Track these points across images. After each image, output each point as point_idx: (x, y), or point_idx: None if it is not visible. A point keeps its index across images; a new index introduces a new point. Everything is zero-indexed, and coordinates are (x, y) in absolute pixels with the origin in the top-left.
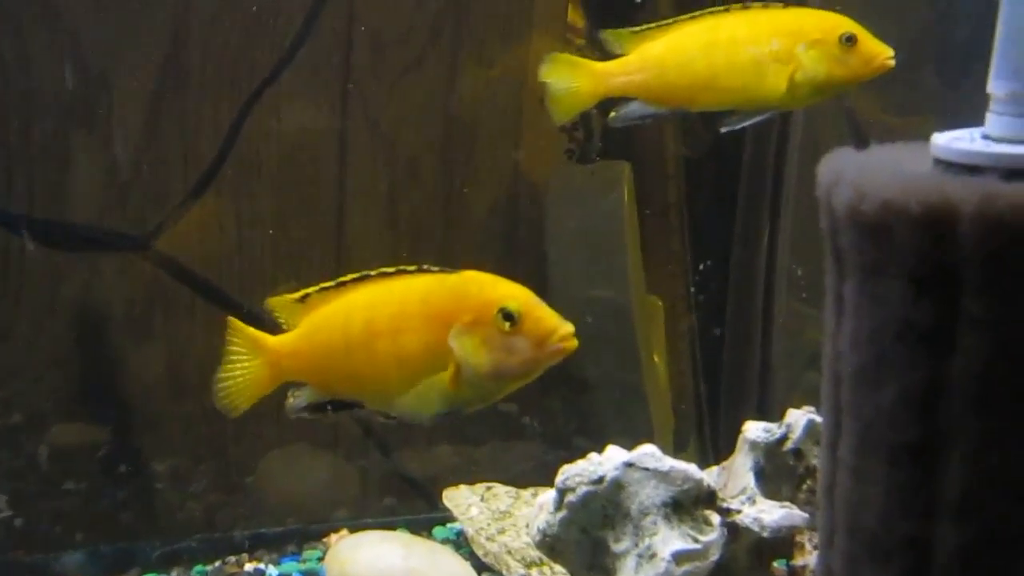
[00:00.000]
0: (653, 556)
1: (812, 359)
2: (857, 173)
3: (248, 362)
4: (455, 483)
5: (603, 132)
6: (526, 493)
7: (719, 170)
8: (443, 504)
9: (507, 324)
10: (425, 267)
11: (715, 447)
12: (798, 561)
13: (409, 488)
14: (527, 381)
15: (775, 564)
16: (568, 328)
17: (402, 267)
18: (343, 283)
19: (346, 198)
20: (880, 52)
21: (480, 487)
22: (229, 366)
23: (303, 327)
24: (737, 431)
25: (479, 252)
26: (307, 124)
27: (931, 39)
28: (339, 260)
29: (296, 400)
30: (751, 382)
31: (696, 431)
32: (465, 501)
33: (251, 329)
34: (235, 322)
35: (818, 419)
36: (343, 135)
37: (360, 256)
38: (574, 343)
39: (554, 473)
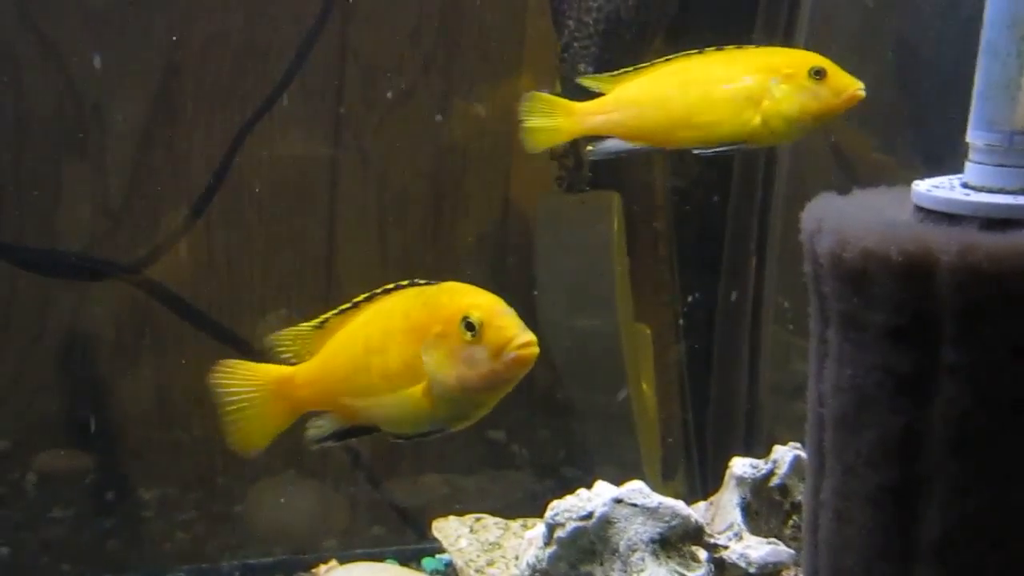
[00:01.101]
0: None
1: (798, 390)
2: (839, 220)
3: (257, 396)
4: (443, 513)
5: (592, 162)
6: (515, 524)
7: (707, 200)
8: (432, 535)
9: (468, 334)
10: (416, 281)
11: (703, 477)
12: None
13: (397, 518)
14: (498, 394)
15: None
16: (527, 337)
17: (399, 283)
18: (357, 303)
19: (337, 227)
20: (849, 84)
21: (469, 518)
22: (234, 407)
23: (320, 355)
24: (725, 462)
25: (467, 281)
26: (299, 154)
27: (908, 79)
28: (329, 288)
29: (317, 430)
30: (739, 412)
31: (684, 460)
32: (454, 532)
33: (255, 365)
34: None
35: (804, 455)
36: (334, 165)
37: (350, 284)
38: (532, 351)
39: (543, 503)
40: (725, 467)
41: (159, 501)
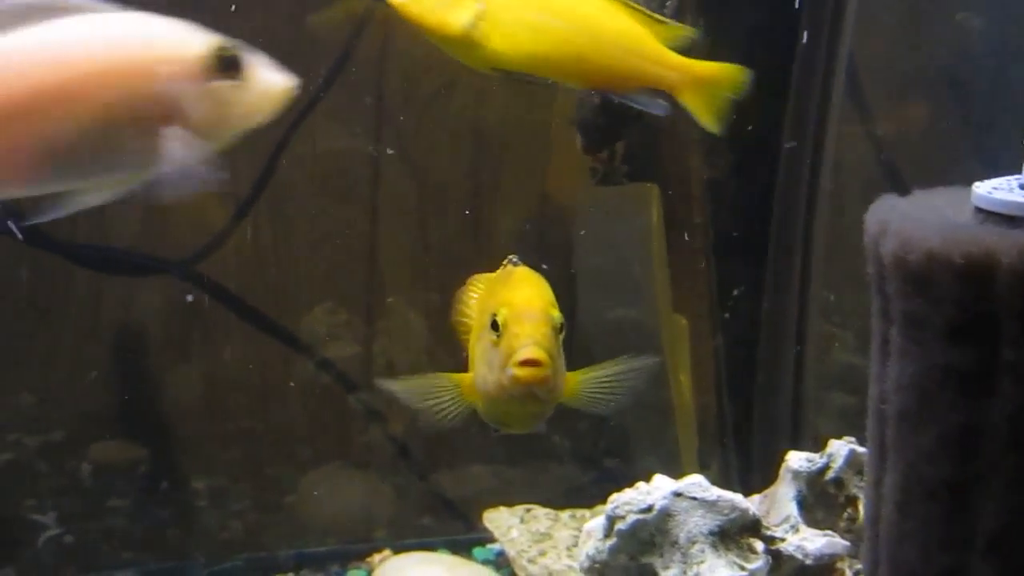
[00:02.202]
0: None
1: (839, 380)
2: (902, 223)
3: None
4: (490, 504)
5: (628, 154)
6: (564, 515)
7: (744, 191)
8: (481, 525)
9: (493, 334)
10: (511, 259)
11: (742, 468)
12: None
13: (445, 509)
14: (521, 408)
15: None
16: (526, 353)
17: (511, 257)
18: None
19: (378, 221)
20: None
21: (519, 509)
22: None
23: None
24: (771, 454)
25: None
26: (341, 149)
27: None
28: (372, 281)
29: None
30: (784, 405)
31: (720, 451)
32: (505, 523)
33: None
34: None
35: (859, 449)
36: (376, 160)
37: (392, 278)
38: (533, 373)
39: (587, 495)
40: (771, 459)
41: (212, 491)
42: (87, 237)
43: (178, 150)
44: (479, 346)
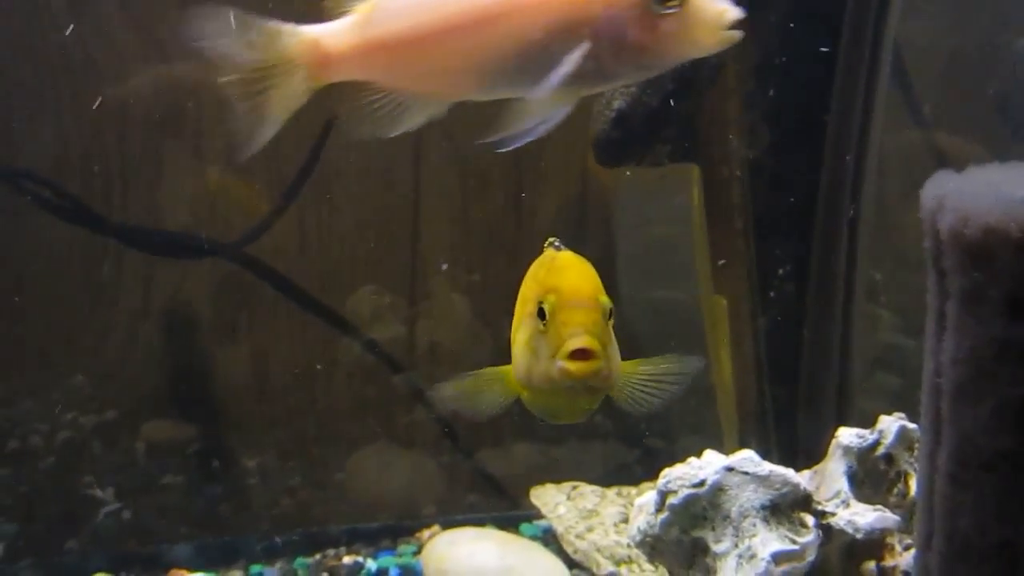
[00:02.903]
0: (753, 556)
1: (883, 361)
2: (959, 198)
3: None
4: (537, 482)
5: (668, 134)
6: (611, 492)
7: (786, 170)
8: (527, 502)
9: (540, 323)
10: (553, 242)
11: (784, 449)
12: (888, 562)
13: (492, 487)
14: (568, 400)
15: (866, 566)
16: (576, 343)
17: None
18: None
19: (421, 204)
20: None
21: (566, 486)
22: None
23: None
24: (815, 435)
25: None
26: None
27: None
28: (415, 264)
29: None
30: (830, 385)
31: (761, 432)
32: (552, 500)
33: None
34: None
35: (910, 425)
36: (417, 144)
37: (434, 259)
38: (584, 367)
39: (630, 473)
40: (815, 441)
41: (262, 470)
42: (139, 220)
43: (621, 75)
44: (521, 334)
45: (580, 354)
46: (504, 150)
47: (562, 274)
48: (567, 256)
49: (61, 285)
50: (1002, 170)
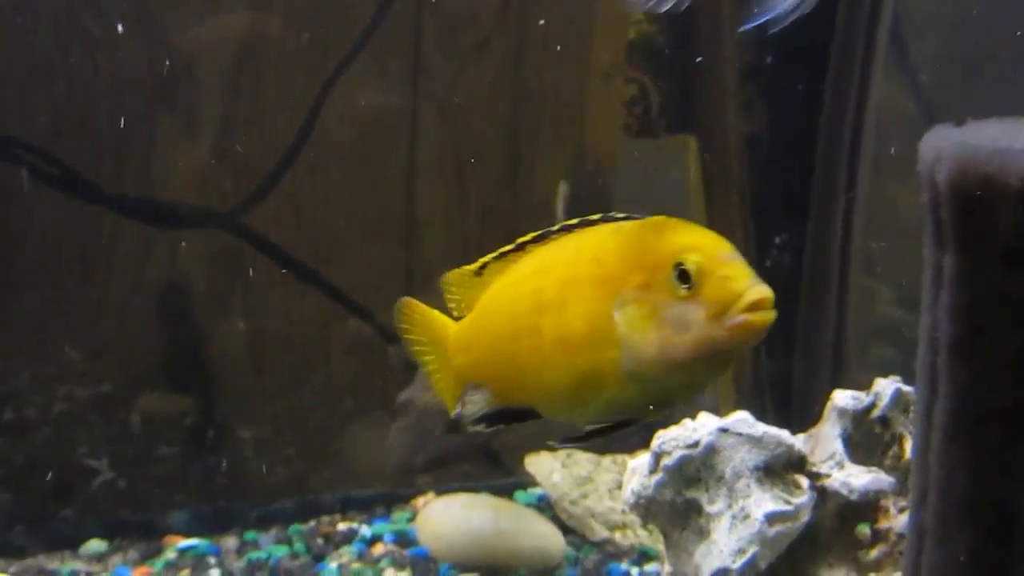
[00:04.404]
0: (747, 517)
1: (879, 333)
2: (958, 149)
3: (432, 359)
4: (533, 450)
5: (663, 106)
6: (606, 460)
7: (783, 144)
8: (522, 470)
9: (682, 287)
10: (611, 215)
11: (780, 420)
12: (882, 524)
13: (486, 455)
14: (714, 371)
15: (860, 528)
16: (759, 293)
17: (587, 217)
18: (523, 245)
19: (416, 175)
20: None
21: (561, 454)
22: (420, 358)
23: (476, 311)
24: (810, 406)
25: (549, 225)
26: (379, 104)
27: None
28: (410, 235)
29: (471, 407)
30: (824, 356)
31: (757, 404)
32: (547, 468)
33: (434, 313)
34: (416, 304)
35: (906, 388)
36: (414, 115)
37: (430, 231)
38: (767, 316)
39: (625, 442)
40: (810, 411)
41: (257, 440)
42: (134, 190)
43: None
44: (633, 312)
45: (759, 305)
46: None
47: (686, 231)
48: (660, 218)
49: (55, 257)
50: (1001, 124)
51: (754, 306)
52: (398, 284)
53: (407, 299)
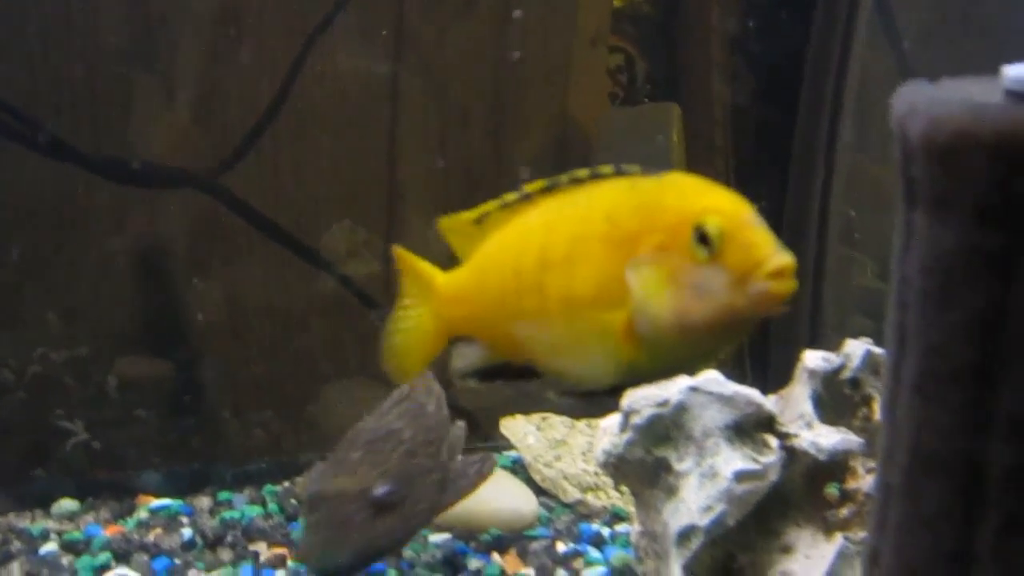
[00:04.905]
0: (715, 475)
1: (859, 305)
2: (931, 103)
3: (414, 310)
4: (509, 414)
5: (649, 75)
6: (580, 424)
7: (767, 115)
8: (498, 434)
9: (702, 250)
10: (623, 168)
11: (756, 387)
12: (851, 485)
13: (464, 420)
14: (730, 339)
15: (828, 488)
16: (782, 260)
17: (597, 170)
18: (528, 195)
19: (398, 140)
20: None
21: (536, 417)
22: (401, 313)
23: (472, 262)
24: (789, 372)
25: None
26: (360, 68)
27: None
28: (391, 201)
29: (462, 361)
30: (801, 326)
31: (736, 375)
32: (522, 430)
33: (422, 262)
34: (403, 253)
35: (876, 350)
36: (395, 79)
37: (412, 196)
38: (789, 285)
39: (602, 406)
40: (788, 378)
41: (235, 403)
42: (110, 151)
43: None
44: (648, 274)
45: (781, 273)
46: None
47: (706, 192)
48: (679, 176)
49: (30, 220)
50: (976, 82)
51: (776, 274)
52: (378, 249)
53: (398, 248)
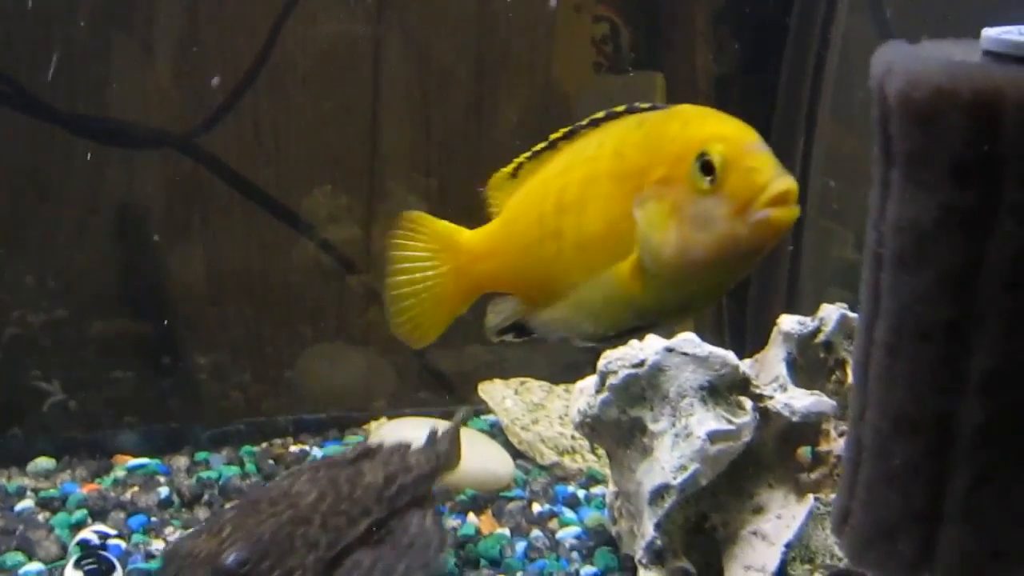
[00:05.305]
0: (689, 435)
1: (837, 275)
2: (909, 63)
3: (435, 271)
4: (488, 378)
5: (634, 44)
6: (559, 388)
7: (750, 85)
8: (477, 398)
9: (705, 179)
10: (636, 106)
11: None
12: (823, 447)
13: (442, 384)
14: (736, 274)
15: (801, 450)
16: (783, 185)
17: (613, 110)
18: (554, 143)
19: (380, 104)
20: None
21: (514, 381)
22: (408, 277)
23: (501, 216)
24: (765, 341)
25: (510, 161)
26: (342, 31)
27: None
28: (372, 164)
29: (494, 317)
30: (779, 295)
31: (715, 343)
32: (500, 394)
33: (441, 223)
34: (420, 215)
35: (850, 314)
36: (377, 42)
37: (394, 161)
38: (791, 212)
39: (581, 372)
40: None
41: (213, 366)
42: (87, 109)
43: None
44: (653, 208)
45: (782, 199)
46: None
47: (711, 120)
48: (685, 107)
49: (7, 178)
50: (952, 43)
51: (778, 200)
52: (359, 214)
53: (413, 212)
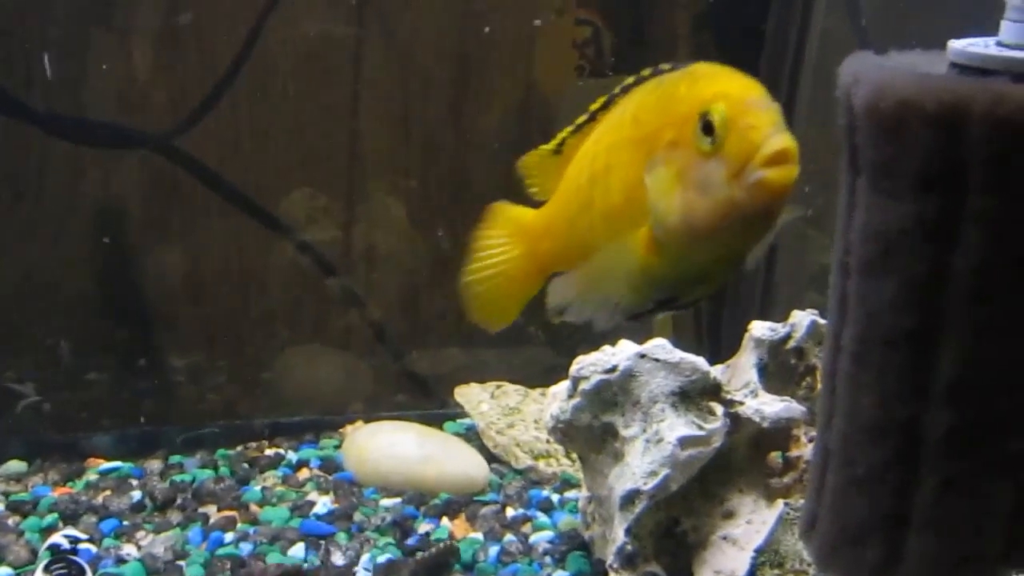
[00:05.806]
0: (660, 440)
1: (812, 280)
2: (876, 73)
3: (507, 254)
4: (465, 382)
5: (615, 48)
6: (535, 392)
7: None
8: (453, 402)
9: (706, 140)
10: (659, 68)
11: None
12: (793, 452)
13: (419, 387)
14: (746, 240)
15: (772, 455)
16: (779, 143)
17: (641, 74)
18: (594, 115)
19: (360, 107)
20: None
21: (491, 385)
22: (482, 263)
23: (556, 193)
24: (737, 347)
25: (491, 164)
26: (322, 32)
27: None
28: (352, 166)
29: (557, 298)
30: (753, 300)
31: (694, 349)
32: (476, 397)
33: (509, 205)
34: (498, 204)
35: (821, 321)
36: (358, 43)
37: (374, 162)
38: (787, 172)
39: (559, 376)
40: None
41: (189, 368)
42: (64, 109)
43: None
44: (659, 176)
45: (781, 159)
46: None
47: (718, 78)
48: (701, 65)
49: None
50: (919, 54)
51: (774, 160)
52: (338, 215)
53: (497, 203)
